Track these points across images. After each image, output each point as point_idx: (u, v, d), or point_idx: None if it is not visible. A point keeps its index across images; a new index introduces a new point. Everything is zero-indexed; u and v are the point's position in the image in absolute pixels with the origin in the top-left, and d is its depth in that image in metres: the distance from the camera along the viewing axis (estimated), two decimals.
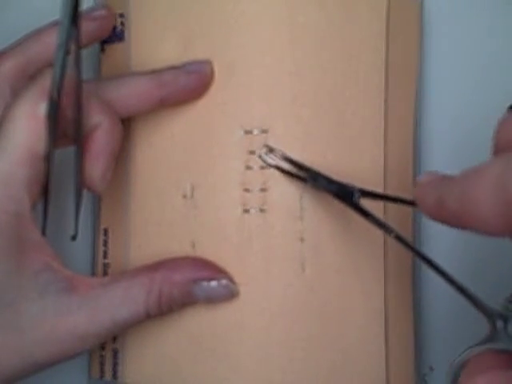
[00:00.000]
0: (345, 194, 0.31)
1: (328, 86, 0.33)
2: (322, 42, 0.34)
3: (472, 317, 0.38)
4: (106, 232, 0.36)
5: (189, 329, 0.33)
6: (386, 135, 0.35)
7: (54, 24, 0.33)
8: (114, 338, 0.34)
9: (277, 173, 0.33)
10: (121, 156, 0.34)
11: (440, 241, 0.36)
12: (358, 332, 0.33)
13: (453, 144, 0.37)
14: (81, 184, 0.31)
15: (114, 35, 0.36)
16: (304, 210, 0.33)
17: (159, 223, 0.34)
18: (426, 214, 0.25)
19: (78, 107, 0.30)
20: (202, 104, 0.34)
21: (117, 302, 0.30)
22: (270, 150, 0.33)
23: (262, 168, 0.33)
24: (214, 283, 0.32)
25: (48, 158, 0.30)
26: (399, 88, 0.36)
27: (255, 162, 0.33)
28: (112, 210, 0.36)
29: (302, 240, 0.33)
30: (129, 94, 0.32)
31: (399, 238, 0.29)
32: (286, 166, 0.33)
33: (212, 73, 0.33)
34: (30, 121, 0.29)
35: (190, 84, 0.33)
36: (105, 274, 0.35)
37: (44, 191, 0.31)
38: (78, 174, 0.31)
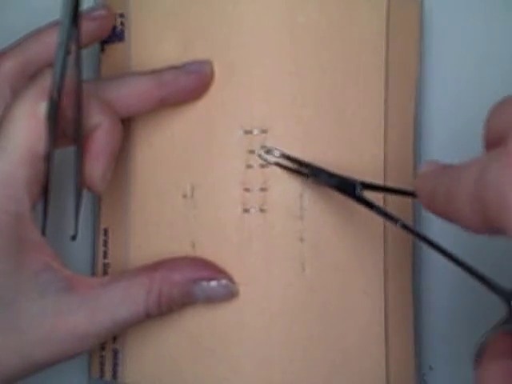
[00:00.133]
0: (347, 187, 0.31)
1: (328, 85, 0.34)
2: (322, 42, 0.34)
3: (472, 317, 0.38)
4: (105, 232, 0.36)
5: (189, 329, 0.33)
6: (386, 135, 0.35)
7: (54, 24, 0.33)
8: (114, 338, 0.34)
9: (277, 172, 0.33)
10: (121, 156, 0.34)
11: (441, 236, 0.36)
12: (358, 332, 0.33)
13: (452, 147, 0.37)
14: (81, 184, 0.31)
15: (114, 35, 0.36)
16: (304, 209, 0.33)
17: (159, 223, 0.34)
18: (422, 205, 0.25)
19: (79, 107, 0.30)
20: (202, 104, 0.34)
21: (116, 302, 0.30)
22: (268, 151, 0.33)
23: (263, 166, 0.33)
24: (213, 283, 0.32)
25: (48, 158, 0.30)
26: (399, 88, 0.36)
27: (255, 161, 0.33)
28: (112, 210, 0.36)
29: (301, 240, 0.33)
30: (129, 94, 0.32)
31: (406, 227, 0.29)
32: (287, 163, 0.33)
33: (212, 73, 0.33)
34: (30, 121, 0.29)
35: (190, 84, 0.33)
36: (105, 273, 0.35)
37: (44, 191, 0.31)
38: (78, 174, 0.31)
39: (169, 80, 0.33)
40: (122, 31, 0.35)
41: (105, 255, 0.36)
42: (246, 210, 0.33)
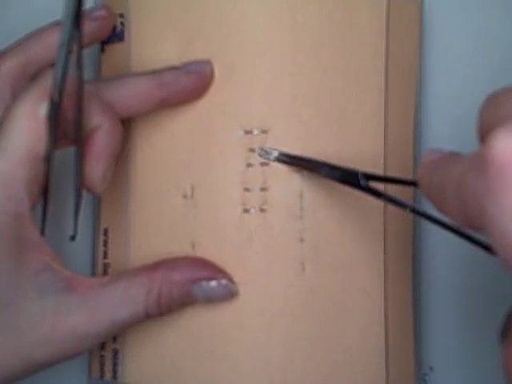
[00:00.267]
0: (350, 179, 0.31)
1: (328, 85, 0.33)
2: (322, 42, 0.34)
3: (472, 316, 0.38)
4: (106, 232, 0.36)
5: (189, 329, 0.33)
6: (386, 134, 0.35)
7: (55, 24, 0.33)
8: (114, 338, 0.34)
9: (277, 171, 0.33)
10: (121, 156, 0.34)
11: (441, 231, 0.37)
12: (358, 332, 0.33)
13: (452, 147, 0.37)
14: (80, 185, 0.32)
15: (114, 35, 0.36)
16: (304, 209, 0.33)
17: (159, 223, 0.34)
18: (422, 194, 0.25)
19: (79, 108, 0.30)
20: (202, 104, 0.33)
21: (116, 302, 0.30)
22: (267, 152, 0.33)
23: (263, 165, 0.33)
24: (213, 283, 0.32)
25: (48, 159, 0.30)
26: (399, 87, 0.36)
27: (256, 160, 0.33)
28: (112, 210, 0.36)
29: (301, 240, 0.33)
30: (129, 94, 0.32)
31: (416, 211, 0.29)
32: (288, 160, 0.33)
33: (212, 73, 0.33)
34: (30, 121, 0.29)
35: (191, 84, 0.33)
36: (105, 273, 0.35)
37: (44, 192, 0.31)
38: (78, 174, 0.31)
39: (169, 80, 0.33)
40: (122, 31, 0.35)
41: (105, 255, 0.36)
42: (246, 210, 0.33)
